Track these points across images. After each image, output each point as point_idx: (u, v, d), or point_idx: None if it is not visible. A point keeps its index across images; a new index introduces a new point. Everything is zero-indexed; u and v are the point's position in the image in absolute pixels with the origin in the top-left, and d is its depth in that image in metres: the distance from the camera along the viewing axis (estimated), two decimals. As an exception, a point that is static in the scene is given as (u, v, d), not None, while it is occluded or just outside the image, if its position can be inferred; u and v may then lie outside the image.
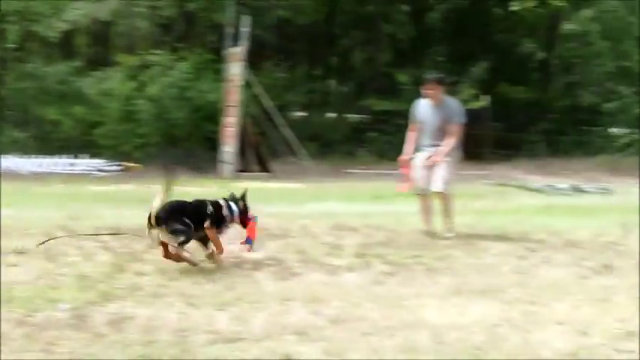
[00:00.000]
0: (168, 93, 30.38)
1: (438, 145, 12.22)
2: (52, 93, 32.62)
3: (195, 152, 30.92)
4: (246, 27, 27.27)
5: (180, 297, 8.18)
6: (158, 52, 34.09)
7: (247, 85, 28.13)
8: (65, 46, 41.99)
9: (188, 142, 31.31)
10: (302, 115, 39.82)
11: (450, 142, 12.17)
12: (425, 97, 12.51)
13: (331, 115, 41.47)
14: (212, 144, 30.76)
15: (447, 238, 11.90)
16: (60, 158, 29.43)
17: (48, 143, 31.14)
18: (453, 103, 12.55)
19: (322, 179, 24.67)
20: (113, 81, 31.67)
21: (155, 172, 27.33)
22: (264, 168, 27.55)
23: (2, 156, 29.16)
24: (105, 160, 29.36)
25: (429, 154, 12.27)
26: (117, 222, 13.11)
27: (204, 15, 38.17)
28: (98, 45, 43.70)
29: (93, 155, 29.95)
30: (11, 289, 8.38)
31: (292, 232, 12.39)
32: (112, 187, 21.10)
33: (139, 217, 13.13)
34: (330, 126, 38.89)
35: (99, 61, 40.83)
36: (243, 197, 10.37)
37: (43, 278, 8.97)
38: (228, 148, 27.32)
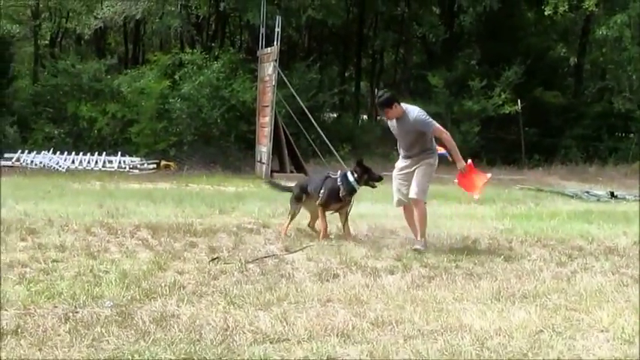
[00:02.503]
0: (202, 92, 30.48)
1: (409, 157, 11.74)
2: (86, 90, 32.83)
3: (230, 151, 31.04)
4: (278, 27, 27.28)
5: (222, 296, 8.20)
6: (191, 50, 34.22)
7: (281, 86, 28.13)
8: (99, 44, 42.32)
9: (222, 141, 31.41)
10: (334, 117, 39.82)
11: (449, 143, 11.69)
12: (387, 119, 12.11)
13: (363, 116, 41.49)
14: (246, 143, 30.86)
15: (417, 250, 11.19)
16: (95, 155, 29.60)
17: (83, 140, 31.35)
18: (413, 111, 11.57)
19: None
20: (147, 79, 31.76)
21: (190, 171, 27.61)
22: (298, 168, 27.56)
23: (38, 152, 29.41)
24: (140, 158, 29.50)
25: (404, 164, 11.78)
26: (155, 220, 13.17)
27: (237, 14, 38.28)
28: (131, 43, 43.94)
29: (128, 153, 30.11)
30: (55, 285, 8.44)
31: (331, 234, 12.39)
32: (148, 185, 21.17)
33: (175, 215, 13.28)
34: (363, 128, 38.90)
35: (132, 59, 41.15)
36: (359, 163, 12.28)
37: (85, 275, 9.01)
38: (263, 147, 27.36)
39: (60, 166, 28.51)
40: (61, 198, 16.76)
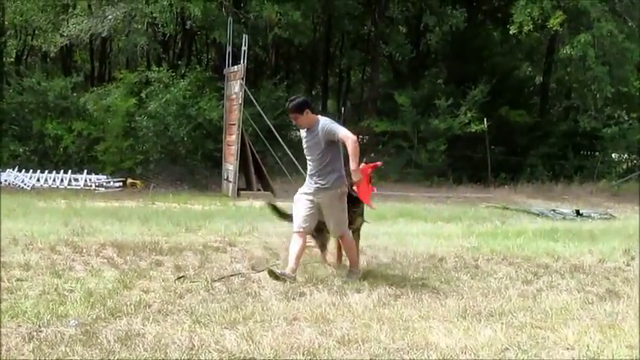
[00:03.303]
0: (169, 110, 30.38)
1: (319, 176, 10.52)
2: (52, 108, 32.61)
3: (197, 169, 30.99)
4: (245, 45, 27.29)
5: (188, 314, 8.17)
6: (158, 68, 34.13)
7: (248, 104, 28.14)
8: (65, 61, 42.15)
9: (189, 159, 31.35)
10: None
11: (352, 149, 10.21)
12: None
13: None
14: (213, 162, 30.80)
15: (348, 281, 10.30)
16: (61, 173, 29.43)
17: (49, 158, 31.16)
18: (324, 121, 10.54)
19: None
20: (113, 97, 31.61)
21: (156, 189, 27.49)
22: (265, 187, 27.53)
23: (3, 170, 29.20)
24: (106, 176, 29.37)
25: (313, 187, 10.59)
26: (121, 238, 13.10)
27: (204, 33, 38.26)
28: (97, 60, 43.82)
29: (94, 171, 29.96)
30: (18, 303, 8.37)
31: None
32: (114, 204, 21.06)
33: (141, 233, 13.23)
34: (330, 146, 38.84)
35: (98, 77, 41.02)
36: None
37: (50, 293, 8.94)
38: (230, 165, 27.32)
39: (25, 185, 28.30)
40: (26, 216, 16.62)
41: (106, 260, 11.24)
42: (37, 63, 40.87)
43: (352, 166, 10.31)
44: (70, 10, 36.35)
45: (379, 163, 11.81)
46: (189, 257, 11.36)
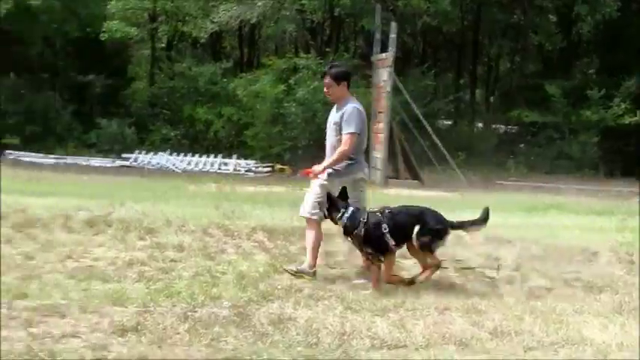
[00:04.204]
0: (317, 97, 30.50)
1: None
2: (202, 93, 33.32)
3: (344, 157, 31.07)
4: (393, 33, 27.19)
5: (339, 300, 8.19)
6: (306, 55, 34.36)
7: (395, 92, 28.03)
8: (214, 47, 42.85)
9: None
10: (448, 124, 39.56)
11: (336, 155, 9.56)
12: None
13: (478, 124, 41.14)
14: (361, 149, 30.82)
15: (298, 273, 9.39)
16: (210, 157, 30.00)
17: (199, 142, 31.82)
18: (350, 107, 9.65)
19: (472, 189, 24.42)
20: (262, 83, 31.96)
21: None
22: (413, 175, 27.40)
23: (155, 153, 29.97)
24: (255, 161, 29.76)
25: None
26: (271, 223, 13.23)
27: (352, 20, 38.32)
28: (246, 47, 44.36)
29: (243, 156, 30.41)
30: (173, 284, 8.54)
31: (447, 242, 12.21)
32: (263, 188, 21.29)
33: (291, 218, 13.32)
34: (478, 136, 38.50)
35: (247, 63, 41.58)
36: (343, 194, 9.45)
37: (203, 275, 9.09)
38: (378, 154, 27.27)
39: (176, 168, 28.96)
40: (178, 199, 16.94)
41: (257, 244, 11.38)
42: (188, 49, 41.61)
43: (323, 162, 9.63)
44: (220, -3, 37.00)
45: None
46: (338, 243, 11.37)
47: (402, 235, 9.05)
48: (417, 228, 9.04)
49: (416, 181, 26.55)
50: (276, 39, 43.84)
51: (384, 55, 28.20)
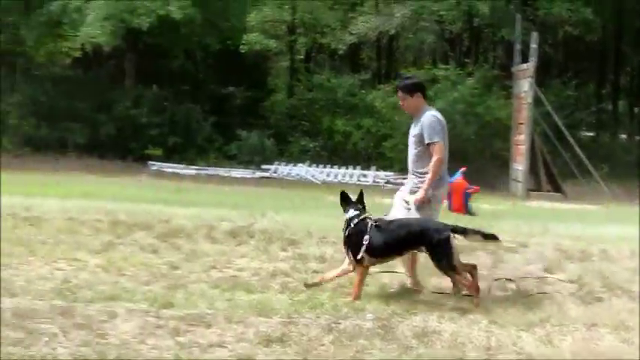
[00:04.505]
0: (456, 108, 30.31)
1: (415, 174, 9.40)
2: (341, 104, 33.48)
3: (484, 169, 30.75)
4: (534, 43, 26.83)
5: (483, 314, 8.08)
6: (444, 66, 34.19)
7: (536, 103, 27.62)
8: (352, 59, 43.02)
9: (476, 158, 31.17)
10: (590, 135, 38.75)
11: (431, 173, 9.15)
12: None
13: (621, 136, 40.18)
14: (501, 161, 30.46)
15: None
16: (349, 169, 30.11)
17: (337, 154, 31.97)
18: (428, 116, 9.34)
19: (617, 202, 23.83)
20: (401, 95, 31.88)
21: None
22: (555, 188, 26.92)
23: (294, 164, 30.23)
24: (394, 173, 29.72)
25: (407, 187, 9.55)
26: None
27: (491, 30, 37.96)
28: (384, 58, 44.38)
29: (382, 167, 30.42)
30: (316, 295, 8.56)
31: (592, 256, 11.94)
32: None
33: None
34: (622, 148, 37.57)
35: (385, 75, 41.60)
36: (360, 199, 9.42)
37: (346, 287, 9.08)
38: (519, 166, 26.93)
39: (315, 179, 29.17)
40: (318, 210, 17.03)
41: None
42: (326, 61, 41.92)
43: (424, 184, 9.13)
44: (358, 9, 37.15)
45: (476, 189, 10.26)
46: (481, 257, 11.22)
47: (391, 249, 8.85)
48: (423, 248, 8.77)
49: (558, 194, 26.09)
50: (414, 50, 43.76)
51: (524, 65, 27.88)
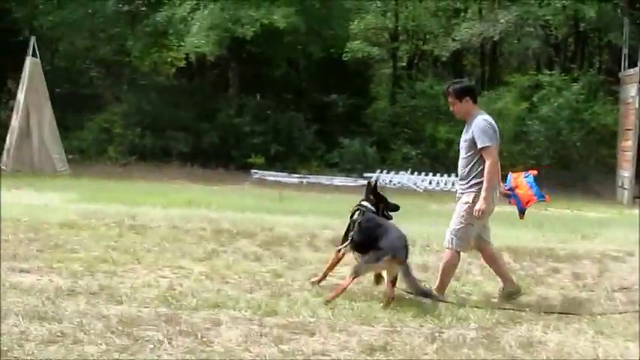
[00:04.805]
0: (561, 114, 29.93)
1: (461, 180, 9.38)
2: (444, 112, 33.19)
3: (590, 175, 30.27)
4: (643, 48, 26.36)
5: (589, 324, 7.93)
6: (549, 72, 33.77)
7: (645, 109, 27.10)
8: (455, 65, 42.72)
9: (582, 165, 30.72)
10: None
11: (486, 182, 9.06)
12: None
13: None
14: (607, 168, 29.92)
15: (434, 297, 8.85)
16: (452, 177, 29.92)
17: (440, 161, 31.77)
18: (478, 120, 9.19)
19: None
20: (504, 100, 31.63)
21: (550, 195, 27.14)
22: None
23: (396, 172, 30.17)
24: (500, 181, 29.42)
25: (460, 191, 9.45)
26: (516, 243, 13.03)
27: (598, 35, 37.39)
28: (487, 64, 43.97)
29: (484, 175, 30.14)
30: (420, 304, 8.52)
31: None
32: (505, 208, 20.95)
33: (536, 239, 13.04)
34: None
35: (488, 81, 41.22)
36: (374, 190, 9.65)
37: (449, 296, 9.02)
38: (625, 172, 26.43)
39: (417, 187, 29.06)
40: (420, 218, 16.94)
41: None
42: (429, 67, 41.74)
43: (482, 192, 9.02)
44: (461, 15, 36.95)
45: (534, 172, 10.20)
46: (586, 265, 11.04)
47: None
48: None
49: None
50: (518, 56, 43.29)
51: (631, 70, 27.37)
